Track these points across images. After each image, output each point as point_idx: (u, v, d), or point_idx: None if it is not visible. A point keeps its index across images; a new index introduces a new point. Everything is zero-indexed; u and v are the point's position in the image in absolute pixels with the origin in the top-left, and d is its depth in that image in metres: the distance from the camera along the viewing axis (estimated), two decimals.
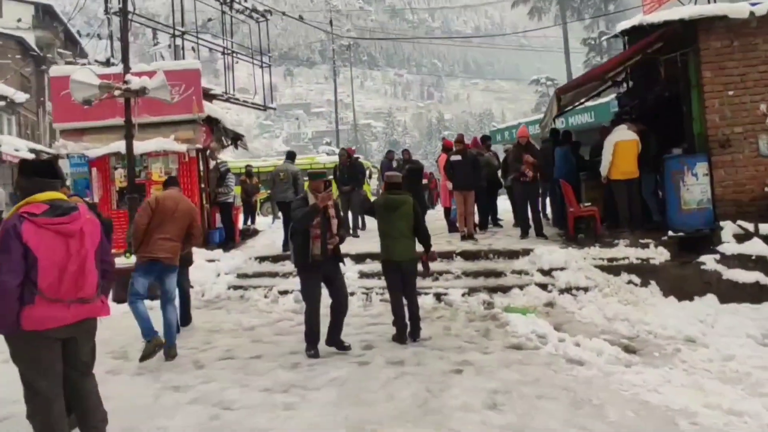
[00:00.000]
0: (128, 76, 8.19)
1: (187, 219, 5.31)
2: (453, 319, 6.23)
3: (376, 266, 8.00)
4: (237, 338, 5.85)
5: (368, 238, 9.15)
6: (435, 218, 12.06)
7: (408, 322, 5.40)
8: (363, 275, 7.95)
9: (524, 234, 8.36)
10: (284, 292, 7.81)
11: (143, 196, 9.89)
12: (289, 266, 8.60)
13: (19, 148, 19.03)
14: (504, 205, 11.31)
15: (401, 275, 5.36)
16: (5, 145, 18.64)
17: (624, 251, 6.74)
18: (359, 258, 8.34)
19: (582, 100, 10.09)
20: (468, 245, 8.16)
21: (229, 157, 29.43)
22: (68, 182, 10.06)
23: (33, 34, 29.63)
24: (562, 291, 6.48)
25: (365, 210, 5.95)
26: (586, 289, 6.38)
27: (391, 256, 5.33)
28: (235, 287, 8.32)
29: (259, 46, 14.31)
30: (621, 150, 7.28)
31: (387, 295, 7.23)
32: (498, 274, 7.20)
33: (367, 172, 23.65)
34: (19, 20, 28.59)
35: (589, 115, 18.54)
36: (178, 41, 12.52)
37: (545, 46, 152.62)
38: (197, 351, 5.39)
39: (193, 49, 13.42)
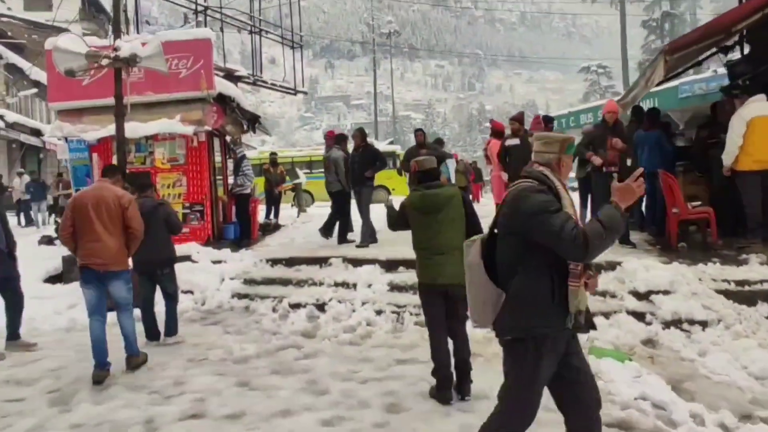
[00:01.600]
0: (118, 42, 6.80)
1: (114, 213, 4.41)
2: None
3: (410, 276, 6.36)
4: (220, 376, 4.34)
5: (400, 239, 7.39)
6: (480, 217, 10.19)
7: (453, 371, 3.74)
8: (394, 287, 6.33)
9: None
10: (296, 306, 6.30)
11: (151, 186, 8.64)
12: (305, 271, 7.10)
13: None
14: None
15: (447, 306, 3.70)
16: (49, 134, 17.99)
17: (760, 271, 4.81)
18: (390, 265, 6.72)
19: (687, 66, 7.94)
20: None
21: (267, 146, 28.47)
22: (67, 169, 8.90)
23: (80, 26, 29.49)
24: (667, 324, 4.65)
25: (390, 222, 4.02)
26: (704, 324, 4.52)
27: (435, 279, 3.67)
28: (240, 296, 6.87)
29: (291, 25, 12.84)
30: (759, 129, 5.28)
31: (422, 319, 5.61)
32: None
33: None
34: (73, 20, 28.33)
35: (652, 101, 16.11)
36: (200, 18, 11.16)
37: (596, 32, 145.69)
38: (158, 400, 3.91)
39: (221, 29, 12.07)
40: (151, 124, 8.06)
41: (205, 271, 7.32)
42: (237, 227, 9.32)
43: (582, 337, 4.83)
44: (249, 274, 7.22)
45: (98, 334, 4.34)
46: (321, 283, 6.70)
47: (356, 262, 6.93)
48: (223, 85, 8.50)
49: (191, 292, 7.11)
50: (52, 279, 7.83)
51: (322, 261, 7.20)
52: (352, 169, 8.02)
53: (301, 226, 10.83)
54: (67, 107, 8.40)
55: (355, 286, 6.46)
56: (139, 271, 5.27)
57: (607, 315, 5.06)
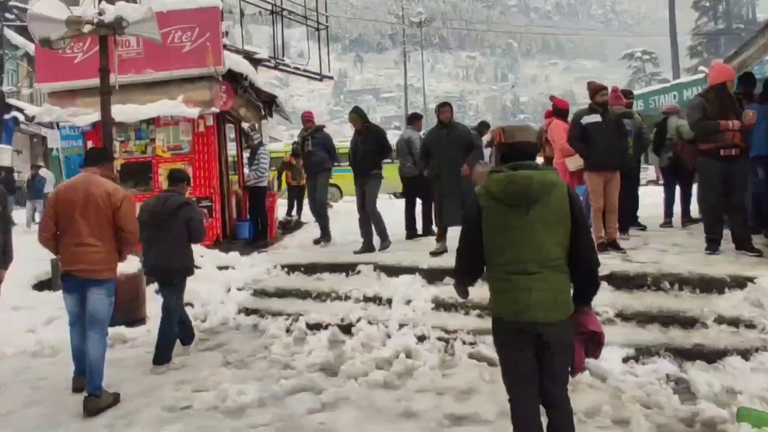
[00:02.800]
0: (104, 4, 5.65)
1: (102, 211, 3.69)
2: (619, 419, 3.14)
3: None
4: None
5: (427, 240, 6.09)
6: None
7: None
8: (439, 305, 4.98)
9: (713, 244, 4.93)
10: (316, 327, 5.05)
11: (149, 178, 7.56)
12: (328, 281, 5.83)
13: None
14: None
15: (539, 355, 2.34)
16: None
17: None
18: (434, 275, 5.36)
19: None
20: (615, 261, 4.90)
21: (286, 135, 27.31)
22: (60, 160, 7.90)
23: None
24: None
25: (463, 217, 2.71)
26: None
27: (520, 314, 2.29)
28: (248, 311, 5.67)
29: (316, 6, 11.60)
30: None
31: (480, 349, 4.27)
32: (688, 321, 3.95)
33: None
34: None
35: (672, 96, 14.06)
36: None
37: (637, 18, 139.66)
38: None
39: (241, 11, 10.91)
40: (150, 106, 6.93)
41: (208, 279, 6.14)
42: (252, 225, 8.16)
43: (705, 382, 3.44)
44: (260, 284, 6.00)
45: (80, 345, 3.80)
46: (347, 297, 5.42)
47: (391, 271, 5.61)
48: (233, 61, 7.29)
49: (191, 305, 5.93)
50: (41, 285, 6.80)
51: (348, 268, 5.91)
52: (353, 157, 6.62)
53: None
54: (57, 88, 7.35)
55: (389, 302, 5.15)
56: (151, 275, 4.88)
57: (744, 353, 3.59)
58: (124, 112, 6.62)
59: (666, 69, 42.39)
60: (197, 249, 6.54)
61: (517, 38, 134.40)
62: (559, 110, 6.97)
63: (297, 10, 11.56)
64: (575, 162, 6.29)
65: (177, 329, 4.66)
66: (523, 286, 2.27)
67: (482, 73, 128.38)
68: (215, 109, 7.01)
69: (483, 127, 9.33)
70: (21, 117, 18.30)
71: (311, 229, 8.92)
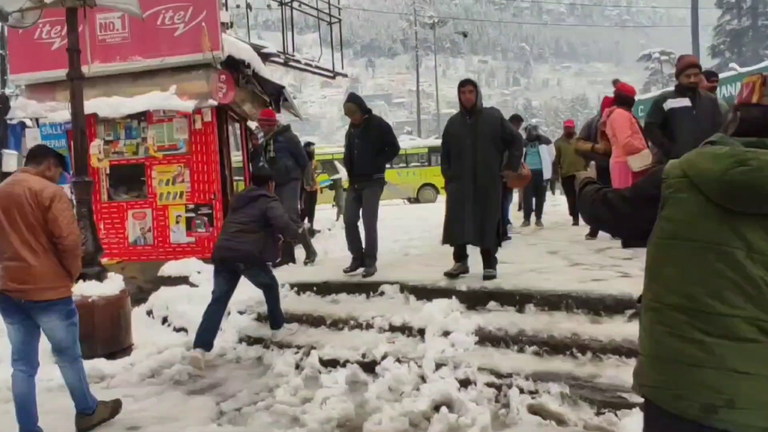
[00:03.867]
0: None
1: (29, 214, 2.99)
2: None
3: (510, 319, 4.01)
4: None
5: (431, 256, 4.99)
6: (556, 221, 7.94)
7: None
8: (485, 338, 3.96)
9: None
10: (331, 363, 4.06)
11: (142, 182, 6.65)
12: (345, 304, 4.85)
13: None
14: None
15: None
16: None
17: None
18: (475, 299, 4.34)
19: None
20: None
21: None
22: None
23: None
24: None
25: (609, 217, 1.55)
26: None
27: (710, 413, 1.24)
28: (251, 340, 4.72)
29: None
30: None
31: (544, 402, 3.24)
32: None
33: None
34: None
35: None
36: None
37: (653, 20, 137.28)
38: None
39: (249, 5, 10.03)
40: (137, 99, 6.02)
41: (205, 301, 5.18)
42: None
43: None
44: (265, 306, 5.03)
45: (23, 390, 3.08)
46: (369, 326, 4.43)
47: (422, 293, 4.60)
48: (234, 47, 6.37)
49: (184, 331, 5.02)
50: None
51: (369, 289, 4.91)
52: (349, 155, 5.18)
53: (340, 232, 8.60)
54: (34, 80, 6.47)
55: (421, 333, 4.14)
56: (216, 262, 4.53)
57: None
58: (107, 105, 5.74)
59: None
60: (194, 264, 5.62)
61: (529, 41, 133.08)
62: (623, 97, 5.93)
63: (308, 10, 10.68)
64: (640, 160, 5.26)
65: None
66: (729, 363, 1.25)
67: (494, 78, 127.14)
68: (213, 102, 6.09)
69: (515, 121, 8.21)
70: (29, 122, 17.62)
71: (325, 238, 7.96)
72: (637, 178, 5.56)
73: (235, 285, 4.53)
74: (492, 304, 4.37)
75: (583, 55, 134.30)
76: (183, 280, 5.40)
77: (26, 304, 2.98)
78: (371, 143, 5.06)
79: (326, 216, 10.35)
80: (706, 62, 37.80)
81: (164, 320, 5.26)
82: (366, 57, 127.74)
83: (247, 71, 6.47)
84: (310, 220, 9.51)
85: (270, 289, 4.57)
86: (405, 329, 4.28)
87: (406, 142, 24.88)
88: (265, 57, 8.79)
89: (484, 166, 4.49)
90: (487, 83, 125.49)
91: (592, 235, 6.67)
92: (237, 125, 8.15)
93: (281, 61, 9.36)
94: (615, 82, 6.62)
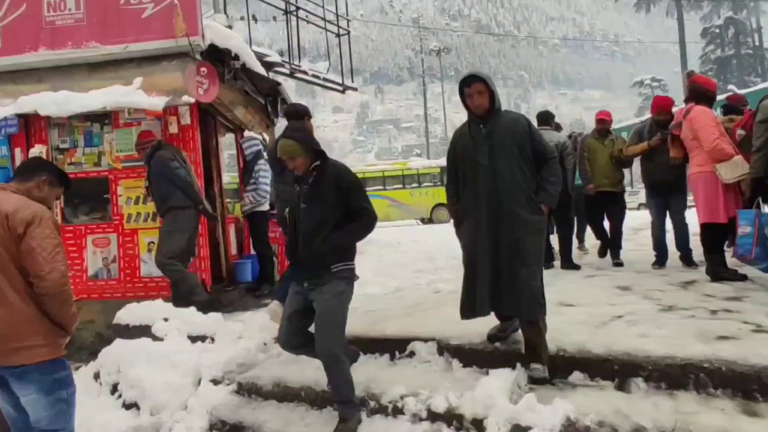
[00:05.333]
0: None
1: (5, 250, 2.05)
2: None
3: (612, 400, 2.27)
4: None
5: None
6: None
7: None
8: None
9: None
10: None
11: (106, 200, 5.04)
12: (362, 371, 3.08)
13: None
14: None
15: None
16: None
17: None
18: (551, 368, 2.60)
19: None
20: None
21: None
22: None
23: None
24: None
25: None
26: None
27: None
28: (227, 428, 2.97)
29: (335, 9, 9.23)
30: None
31: None
32: None
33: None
34: None
35: None
36: None
37: (639, 51, 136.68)
38: None
39: (254, 17, 8.53)
40: (93, 95, 4.41)
41: (169, 361, 3.48)
42: (255, 263, 5.58)
43: None
44: (251, 372, 3.31)
45: None
46: (396, 411, 2.70)
47: (470, 357, 2.88)
48: (218, 34, 4.76)
49: (136, 408, 3.31)
50: None
51: (395, 347, 3.18)
52: (293, 227, 2.78)
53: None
54: None
55: (478, 426, 2.41)
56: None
57: None
58: (52, 101, 4.15)
59: (673, 94, 40.41)
60: (159, 308, 3.92)
61: (527, 70, 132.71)
62: (702, 92, 4.27)
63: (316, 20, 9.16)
64: (733, 169, 3.66)
65: None
66: None
67: None
68: (189, 99, 4.47)
69: (545, 123, 5.47)
70: None
71: None
72: (730, 193, 3.90)
73: None
74: (577, 375, 2.68)
75: (578, 82, 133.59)
76: (143, 330, 3.72)
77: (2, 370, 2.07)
78: (325, 208, 2.61)
79: None
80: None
81: (114, 388, 3.56)
82: (375, 84, 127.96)
83: (235, 64, 4.86)
84: None
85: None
86: (452, 419, 2.55)
87: (417, 162, 23.49)
88: (269, 66, 7.23)
89: (510, 196, 2.66)
90: None
91: (660, 263, 4.95)
92: (232, 135, 6.55)
93: (286, 71, 7.79)
94: (689, 75, 4.97)
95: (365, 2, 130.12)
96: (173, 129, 4.65)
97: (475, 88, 2.68)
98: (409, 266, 5.09)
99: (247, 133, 6.14)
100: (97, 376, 3.73)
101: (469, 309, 2.75)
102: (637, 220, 8.33)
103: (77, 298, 4.60)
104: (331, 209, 2.57)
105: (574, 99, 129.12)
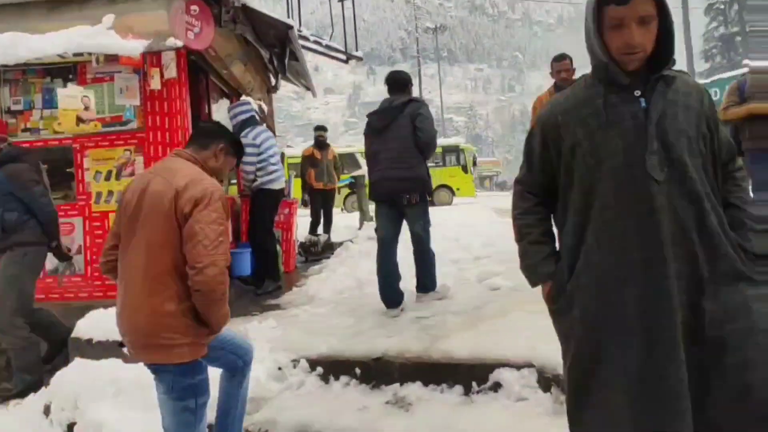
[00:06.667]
0: None
1: (164, 231, 1.74)
2: None
3: None
4: None
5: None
6: None
7: None
8: None
9: None
10: None
11: (70, 175, 4.06)
12: (421, 410, 2.17)
13: None
14: None
15: None
16: None
17: None
18: None
19: None
20: None
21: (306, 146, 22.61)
22: None
23: None
24: None
25: None
26: None
27: None
28: None
29: None
30: None
31: None
32: None
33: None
34: None
35: None
36: None
37: None
38: None
39: None
40: (52, 37, 3.40)
41: (143, 397, 2.53)
42: (255, 255, 4.66)
43: None
44: (260, 412, 2.39)
45: None
46: None
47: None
48: None
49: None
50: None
51: (469, 374, 2.29)
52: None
53: (368, 244, 5.96)
54: None
55: None
56: (376, 197, 3.36)
57: None
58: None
59: None
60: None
61: (522, 50, 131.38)
62: None
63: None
64: None
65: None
66: None
67: (490, 84, 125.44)
68: (176, 43, 3.48)
69: None
70: None
71: (350, 257, 5.31)
72: None
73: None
74: None
75: (574, 63, 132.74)
76: (111, 348, 2.79)
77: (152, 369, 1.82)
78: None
79: (346, 223, 7.71)
80: (699, 66, 37.02)
81: (69, 430, 2.64)
82: (367, 65, 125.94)
83: (234, 1, 3.85)
84: (328, 230, 6.91)
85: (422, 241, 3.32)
86: None
87: None
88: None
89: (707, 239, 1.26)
90: (484, 90, 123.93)
91: None
92: (224, 102, 5.55)
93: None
94: None
95: None
96: (155, 84, 3.66)
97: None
98: (443, 256, 4.22)
99: (243, 99, 5.17)
100: (47, 410, 2.80)
101: None
102: None
103: None
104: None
105: None
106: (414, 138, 3.21)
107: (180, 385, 1.79)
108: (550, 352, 2.22)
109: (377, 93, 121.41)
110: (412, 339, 2.65)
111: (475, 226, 6.79)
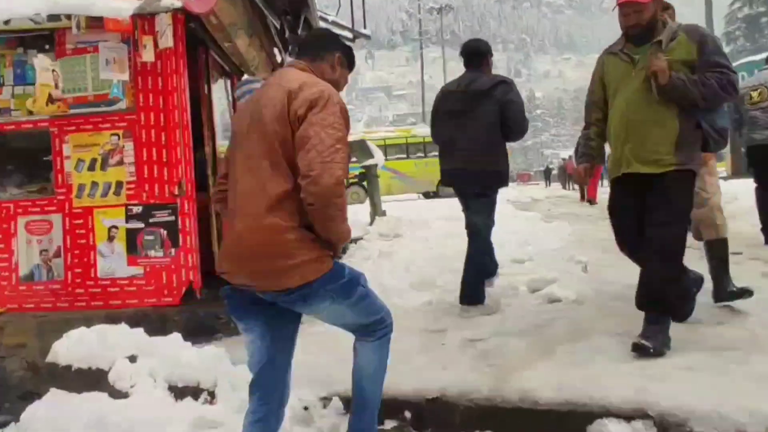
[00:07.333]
0: None
1: (280, 139, 1.62)
2: None
3: None
4: None
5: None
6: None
7: None
8: None
9: None
10: None
11: (47, 163, 3.53)
12: None
13: None
14: None
15: None
16: None
17: None
18: None
19: None
20: None
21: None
22: None
23: None
24: None
25: None
26: None
27: None
28: None
29: None
30: None
31: None
32: None
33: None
34: None
35: None
36: None
37: None
38: None
39: None
40: None
41: None
42: None
43: None
44: None
45: None
46: None
47: None
48: None
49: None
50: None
51: (559, 426, 1.82)
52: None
53: (384, 243, 5.47)
54: None
55: None
56: (459, 191, 3.22)
57: None
58: None
59: None
60: (123, 338, 2.51)
61: (529, 33, 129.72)
62: None
63: None
64: None
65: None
66: None
67: (496, 69, 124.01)
68: (173, 3, 2.96)
69: None
70: None
71: (368, 257, 4.81)
72: None
73: None
74: None
75: (583, 46, 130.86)
76: (95, 378, 2.31)
77: (266, 295, 1.66)
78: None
79: (354, 218, 7.20)
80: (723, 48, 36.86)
81: None
82: (366, 49, 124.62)
83: None
84: None
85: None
86: None
87: (422, 129, 21.79)
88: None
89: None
90: None
91: None
92: (224, 82, 5.01)
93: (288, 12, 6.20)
94: None
95: None
96: (148, 56, 3.15)
97: None
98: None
99: (245, 78, 4.63)
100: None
101: None
102: None
103: (1, 309, 3.21)
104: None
105: (578, 64, 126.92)
106: (501, 128, 3.01)
107: (336, 287, 1.66)
108: (668, 393, 1.74)
109: (376, 79, 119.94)
110: (471, 371, 2.17)
111: (499, 222, 6.29)
